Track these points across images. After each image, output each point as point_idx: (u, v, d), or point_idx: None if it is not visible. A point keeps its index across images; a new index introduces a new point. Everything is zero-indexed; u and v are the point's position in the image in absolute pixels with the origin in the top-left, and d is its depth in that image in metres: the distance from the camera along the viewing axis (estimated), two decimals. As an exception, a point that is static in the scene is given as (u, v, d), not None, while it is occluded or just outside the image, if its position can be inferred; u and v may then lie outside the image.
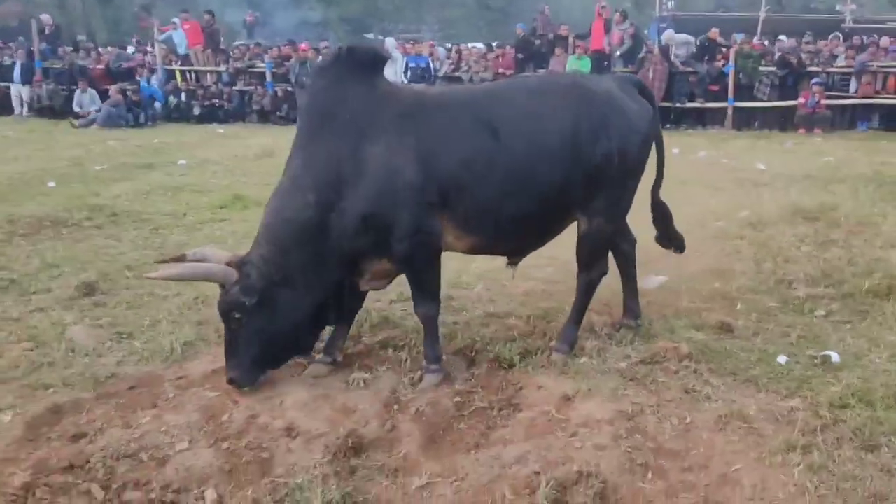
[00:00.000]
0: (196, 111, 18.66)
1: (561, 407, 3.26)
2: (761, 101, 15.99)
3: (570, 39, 17.20)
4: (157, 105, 18.46)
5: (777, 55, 16.08)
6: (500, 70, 17.98)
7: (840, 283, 4.71)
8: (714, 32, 16.46)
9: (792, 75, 15.91)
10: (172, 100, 18.92)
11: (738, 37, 16.48)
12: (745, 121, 16.16)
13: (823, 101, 15.39)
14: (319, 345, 3.86)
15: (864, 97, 15.30)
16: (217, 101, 18.81)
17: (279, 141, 13.89)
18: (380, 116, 3.47)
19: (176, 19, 19.76)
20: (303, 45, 18.23)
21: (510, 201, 3.51)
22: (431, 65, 18.74)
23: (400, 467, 3.02)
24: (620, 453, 2.91)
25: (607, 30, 17.17)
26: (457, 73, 18.51)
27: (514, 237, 3.74)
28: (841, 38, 16.74)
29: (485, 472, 2.90)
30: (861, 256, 5.31)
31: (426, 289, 3.60)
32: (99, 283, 4.88)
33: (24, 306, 4.58)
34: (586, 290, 3.89)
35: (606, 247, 3.92)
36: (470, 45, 19.79)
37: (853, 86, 15.59)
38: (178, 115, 18.79)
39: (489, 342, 3.89)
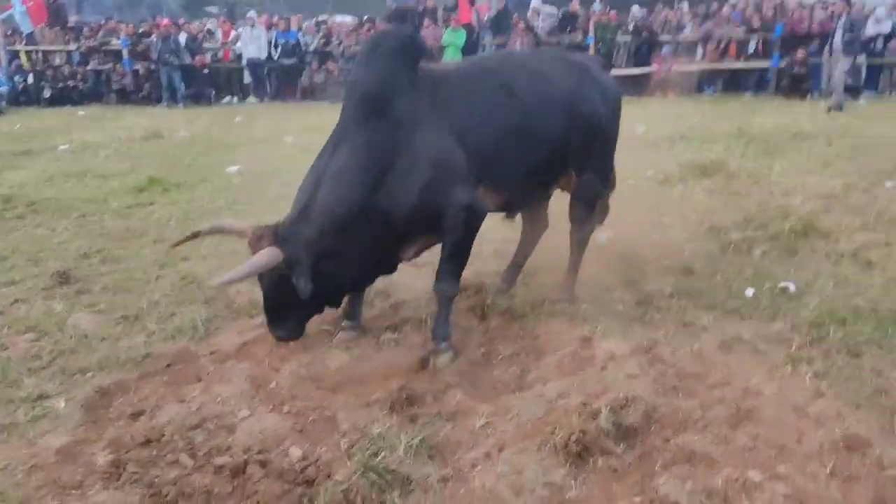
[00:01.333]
0: (46, 94, 17.57)
1: (583, 347, 3.65)
2: (619, 69, 17.10)
3: (439, 12, 17.58)
4: (3, 90, 17.18)
5: (632, 25, 17.23)
6: (371, 43, 18.07)
7: (764, 227, 5.40)
8: (574, 4, 17.37)
9: (645, 44, 17.15)
10: (18, 80, 17.70)
11: (597, 8, 17.44)
12: (605, 88, 17.21)
13: (675, 68, 16.70)
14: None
15: (710, 63, 16.71)
16: (70, 82, 17.77)
17: (157, 122, 13.50)
18: (422, 100, 3.60)
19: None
20: (164, 21, 17.51)
21: (532, 159, 3.82)
22: (301, 39, 18.58)
23: (456, 412, 3.28)
24: (651, 380, 3.33)
25: (472, 2, 17.68)
26: (328, 48, 18.46)
27: (531, 192, 4.05)
28: (687, 7, 18.08)
29: (537, 408, 3.23)
30: (768, 203, 6.07)
31: (458, 266, 3.73)
32: (72, 272, 4.77)
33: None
34: (581, 244, 4.32)
35: (595, 202, 4.33)
36: (337, 19, 19.71)
37: (700, 52, 16.99)
38: (25, 98, 17.64)
39: (494, 297, 4.22)
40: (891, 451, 2.74)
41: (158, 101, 17.55)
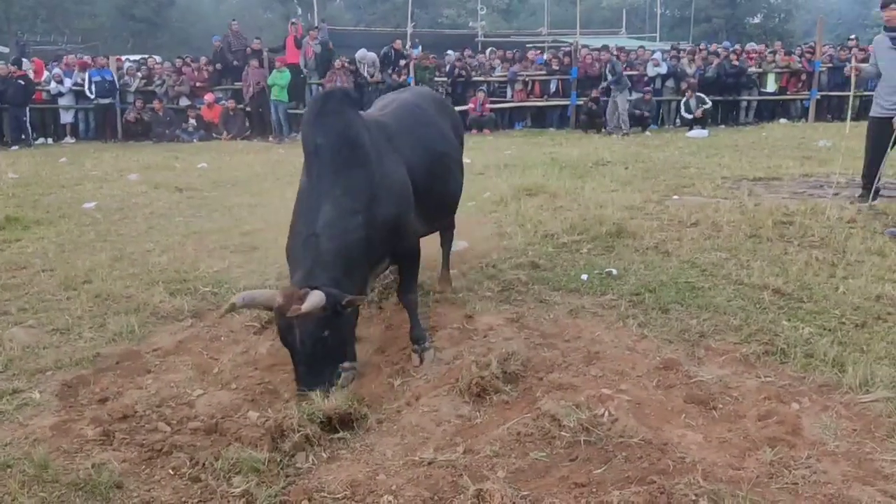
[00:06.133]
0: None
1: (466, 322, 4.60)
2: (438, 106, 18.57)
3: (265, 53, 18.22)
4: None
5: (447, 67, 18.79)
6: (197, 83, 18.38)
7: (586, 231, 6.65)
8: (398, 43, 18.74)
9: (461, 84, 18.76)
10: None
11: (416, 51, 18.86)
12: (426, 124, 18.60)
13: (488, 106, 18.40)
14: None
15: (519, 101, 18.60)
16: None
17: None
18: (377, 140, 4.10)
19: None
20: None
21: (442, 186, 4.67)
22: (115, 78, 18.46)
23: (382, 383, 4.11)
24: (521, 340, 4.32)
25: (298, 45, 18.49)
26: (149, 87, 18.51)
27: (440, 217, 4.87)
28: (496, 52, 19.97)
29: (439, 368, 4.12)
30: (586, 214, 7.38)
31: (415, 277, 4.39)
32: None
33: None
34: (450, 246, 5.31)
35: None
36: (157, 59, 19.84)
37: (509, 92, 18.85)
38: None
39: (386, 292, 5.07)
40: (694, 368, 3.90)
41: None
